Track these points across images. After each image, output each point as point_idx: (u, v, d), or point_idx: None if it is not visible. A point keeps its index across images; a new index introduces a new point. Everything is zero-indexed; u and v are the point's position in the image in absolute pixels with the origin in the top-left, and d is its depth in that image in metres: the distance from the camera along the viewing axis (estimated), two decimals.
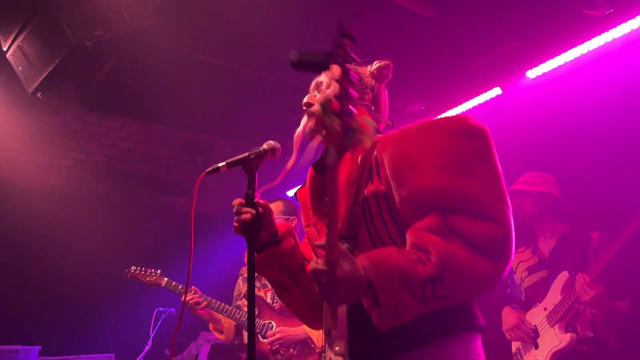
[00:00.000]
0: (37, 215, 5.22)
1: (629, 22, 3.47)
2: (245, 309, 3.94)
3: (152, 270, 4.26)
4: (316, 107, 1.27)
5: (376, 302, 1.47)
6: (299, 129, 2.01)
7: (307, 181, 2.04)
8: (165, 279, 4.19)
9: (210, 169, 1.88)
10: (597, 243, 3.43)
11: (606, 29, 3.59)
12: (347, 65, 1.25)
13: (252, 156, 1.87)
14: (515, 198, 3.73)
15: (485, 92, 4.32)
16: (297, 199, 2.12)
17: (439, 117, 1.85)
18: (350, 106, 1.24)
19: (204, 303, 3.95)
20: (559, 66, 3.92)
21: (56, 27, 3.54)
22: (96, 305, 5.23)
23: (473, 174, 1.59)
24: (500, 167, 1.64)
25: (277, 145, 1.94)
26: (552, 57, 3.91)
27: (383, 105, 2.08)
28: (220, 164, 1.87)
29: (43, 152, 5.56)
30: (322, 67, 1.30)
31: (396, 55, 4.63)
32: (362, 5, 4.09)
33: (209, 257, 5.91)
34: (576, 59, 3.83)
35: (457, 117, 1.75)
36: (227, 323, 4.09)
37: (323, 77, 2.05)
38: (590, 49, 3.73)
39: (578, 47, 3.76)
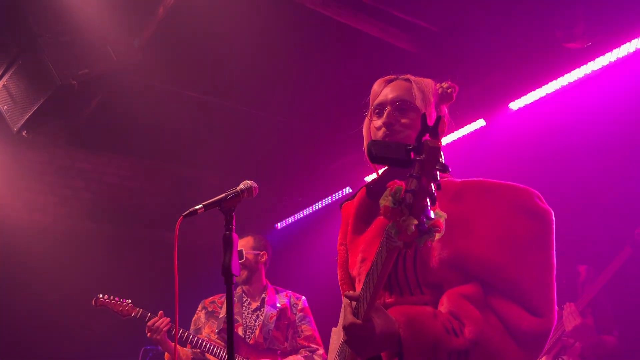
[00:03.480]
0: (24, 252, 5.16)
1: (607, 55, 3.55)
2: (212, 342, 3.80)
3: (127, 300, 3.87)
4: (386, 200, 1.14)
5: (399, 358, 1.48)
6: (366, 133, 1.87)
7: (356, 199, 1.92)
8: (138, 309, 3.80)
9: (187, 212, 1.87)
10: (585, 276, 3.43)
11: (585, 62, 3.67)
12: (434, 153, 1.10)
13: (228, 197, 1.87)
14: None
15: (470, 124, 4.36)
16: (340, 210, 2.00)
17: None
18: (429, 207, 1.11)
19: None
20: (541, 98, 3.99)
21: (41, 67, 3.55)
22: (82, 343, 5.14)
23: (527, 261, 1.54)
24: (554, 257, 1.59)
25: (254, 184, 1.94)
26: (534, 89, 3.97)
27: (447, 127, 1.98)
28: (197, 207, 1.87)
29: (29, 189, 5.53)
30: (404, 164, 1.21)
31: None
32: (347, 42, 4.15)
33: (199, 294, 5.83)
34: (557, 91, 3.90)
35: (524, 191, 1.68)
36: (185, 356, 3.77)
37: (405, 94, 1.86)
38: (571, 80, 3.81)
39: (559, 79, 3.84)
